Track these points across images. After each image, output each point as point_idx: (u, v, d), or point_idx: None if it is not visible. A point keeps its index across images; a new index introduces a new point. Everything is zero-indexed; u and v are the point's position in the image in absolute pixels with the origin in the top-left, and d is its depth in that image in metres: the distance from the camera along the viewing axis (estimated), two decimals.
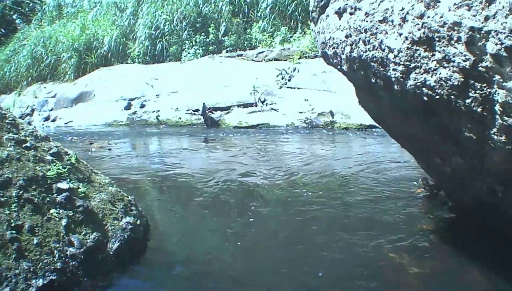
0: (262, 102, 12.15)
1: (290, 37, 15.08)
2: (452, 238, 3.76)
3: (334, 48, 3.35)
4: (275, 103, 12.02)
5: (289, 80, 12.34)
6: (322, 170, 6.39)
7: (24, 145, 3.64)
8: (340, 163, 6.94)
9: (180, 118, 13.12)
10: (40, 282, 2.78)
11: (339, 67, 3.51)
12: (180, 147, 9.67)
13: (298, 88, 12.22)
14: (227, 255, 3.69)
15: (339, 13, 3.23)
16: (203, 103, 12.29)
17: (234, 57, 14.83)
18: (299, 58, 13.05)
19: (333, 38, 3.30)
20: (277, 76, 12.45)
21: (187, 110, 13.12)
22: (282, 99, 12.08)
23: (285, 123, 11.37)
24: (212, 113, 12.48)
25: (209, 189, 5.56)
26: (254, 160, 7.60)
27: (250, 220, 4.38)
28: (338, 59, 3.39)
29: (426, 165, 3.96)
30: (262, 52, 14.35)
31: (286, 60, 13.43)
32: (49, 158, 3.72)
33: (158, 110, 13.74)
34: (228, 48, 15.94)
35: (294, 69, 12.40)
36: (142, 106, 14.51)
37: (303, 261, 3.46)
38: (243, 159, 7.65)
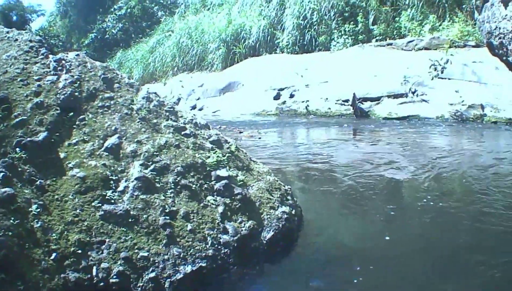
0: (413, 93, 12.07)
1: (439, 25, 14.74)
2: None
3: (500, 38, 3.38)
4: (426, 94, 11.87)
5: (442, 72, 12.13)
6: (469, 168, 6.21)
7: (183, 132, 3.71)
8: (489, 161, 6.68)
9: (329, 108, 13.26)
10: (188, 268, 2.83)
11: (504, 58, 3.55)
12: (328, 138, 9.69)
13: (449, 79, 11.96)
14: (376, 248, 3.64)
15: (505, 2, 3.24)
16: (353, 94, 12.40)
17: (384, 46, 14.67)
18: (449, 48, 12.73)
19: (499, 28, 3.31)
20: (429, 67, 12.26)
21: (337, 100, 13.25)
22: (433, 90, 11.87)
23: (435, 116, 11.21)
24: (362, 103, 12.56)
25: (355, 181, 5.58)
26: (401, 154, 7.51)
27: (391, 213, 4.41)
28: (505, 50, 3.41)
29: None
30: (412, 41, 14.09)
31: (436, 49, 13.10)
32: (208, 145, 3.76)
33: (308, 101, 13.91)
34: (377, 37, 15.93)
35: (447, 61, 12.15)
36: (292, 96, 14.74)
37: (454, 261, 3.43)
38: (390, 152, 7.60)
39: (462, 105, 11.06)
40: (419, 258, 3.46)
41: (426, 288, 3.03)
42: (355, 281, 3.03)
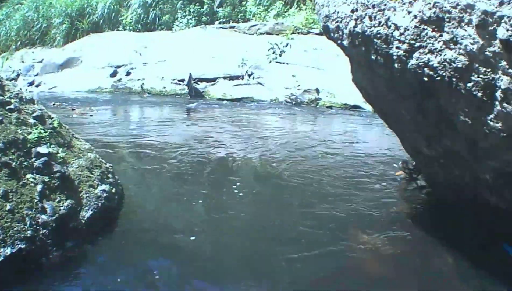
0: (249, 75, 12.10)
1: (285, 12, 14.91)
2: (427, 221, 3.86)
3: (337, 22, 3.36)
4: (262, 78, 11.97)
5: (280, 56, 12.29)
6: (300, 148, 6.43)
7: (8, 107, 3.55)
8: (320, 142, 6.95)
9: (164, 87, 12.97)
10: (8, 250, 2.69)
11: (339, 42, 3.52)
12: (160, 117, 9.67)
13: (287, 64, 12.16)
14: (198, 226, 3.68)
15: None
16: (189, 74, 12.20)
17: (226, 28, 14.66)
18: (291, 34, 12.98)
19: (338, 12, 3.30)
20: (268, 50, 12.37)
21: (173, 80, 12.98)
22: (270, 74, 12.02)
23: (269, 98, 11.37)
24: (198, 84, 12.41)
25: (184, 160, 5.64)
26: (233, 133, 7.61)
27: (223, 190, 4.49)
28: (340, 33, 3.40)
29: (412, 147, 4.02)
30: (255, 25, 14.19)
31: (278, 34, 13.30)
32: (31, 121, 3.62)
33: (143, 79, 13.56)
34: (221, 20, 15.74)
35: (287, 45, 12.33)
36: (128, 74, 14.26)
37: (275, 236, 3.54)
38: (221, 132, 7.69)
39: (298, 89, 11.26)
40: (239, 227, 3.73)
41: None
42: (172, 257, 3.20)
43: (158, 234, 3.52)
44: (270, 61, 12.31)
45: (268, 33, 13.61)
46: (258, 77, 11.99)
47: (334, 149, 6.44)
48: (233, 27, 14.62)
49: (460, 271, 3.11)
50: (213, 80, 12.48)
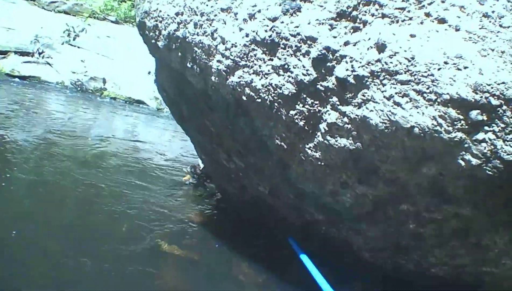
0: (40, 54, 10.89)
1: None
2: (218, 230, 3.83)
3: (157, 21, 3.07)
4: (52, 58, 10.89)
5: (74, 39, 11.58)
6: (78, 138, 5.99)
7: None
8: (100, 136, 6.49)
9: None
10: None
11: (153, 41, 3.25)
12: None
13: (79, 47, 11.48)
14: None
15: None
16: None
17: (27, 0, 13.10)
18: (88, 17, 12.48)
19: (160, 11, 3.02)
20: (64, 31, 11.59)
21: None
22: (61, 56, 11.04)
23: (55, 81, 10.39)
24: None
25: None
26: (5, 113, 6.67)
27: None
28: (157, 33, 3.13)
29: (208, 155, 3.97)
30: (55, 2, 13.08)
31: (75, 16, 12.68)
32: None
33: None
34: None
35: (83, 29, 11.73)
36: None
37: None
38: None
39: (85, 75, 10.59)
40: None
41: None
42: None
43: None
44: (63, 43, 11.48)
45: (66, 12, 12.89)
46: (48, 57, 10.90)
47: (116, 147, 6.05)
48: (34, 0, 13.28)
49: (258, 278, 3.16)
50: (4, 52, 10.90)
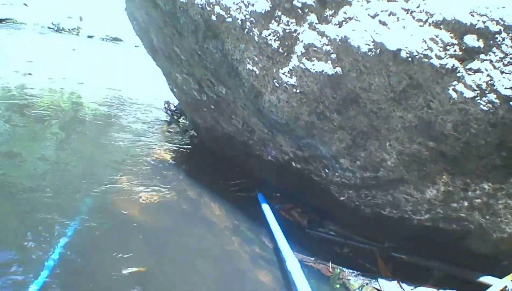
0: None
1: None
2: (191, 168, 3.64)
3: None
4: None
5: None
6: (56, 76, 5.74)
7: None
8: (79, 73, 6.22)
9: None
10: None
11: None
12: None
13: None
14: None
15: None
16: None
17: None
18: None
19: None
20: None
21: None
22: None
23: (33, 22, 10.10)
24: None
25: None
26: None
27: None
28: None
29: (179, 88, 3.70)
30: None
31: None
32: None
33: None
34: None
35: None
36: None
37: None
38: None
39: (61, 15, 10.19)
40: None
41: None
42: None
43: None
44: None
45: None
46: None
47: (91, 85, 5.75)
48: None
49: (230, 220, 2.97)
50: None
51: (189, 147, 4.13)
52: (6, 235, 2.34)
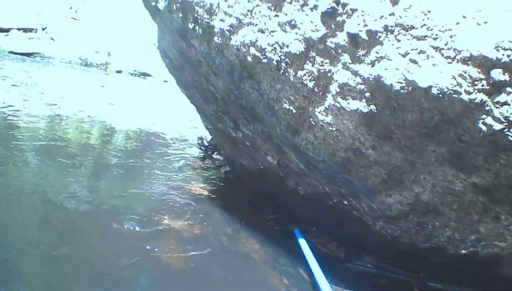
0: (43, 29, 10.87)
1: None
2: (226, 203, 3.70)
3: None
4: (55, 33, 10.91)
5: (76, 12, 11.58)
6: (88, 114, 5.91)
7: None
8: (110, 109, 6.43)
9: None
10: None
11: (153, 3, 3.09)
12: None
13: (82, 21, 11.49)
14: None
15: None
16: None
17: None
18: None
19: None
20: (65, 5, 11.61)
21: None
22: (64, 31, 11.04)
23: (60, 57, 10.36)
24: None
25: None
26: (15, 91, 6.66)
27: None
28: None
29: (214, 125, 3.82)
30: None
31: None
32: None
33: None
34: None
35: (84, 1, 11.63)
36: None
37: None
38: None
39: (90, 50, 10.52)
40: None
41: None
42: None
43: None
44: (66, 17, 11.43)
45: None
46: (52, 32, 10.81)
47: (126, 120, 5.94)
48: None
49: (267, 255, 3.01)
50: (7, 30, 10.97)
51: (224, 182, 4.22)
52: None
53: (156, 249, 2.75)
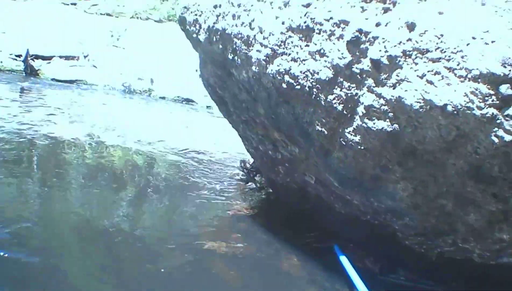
0: (85, 57, 11.34)
1: None
2: (268, 222, 3.88)
3: (196, 15, 3.22)
4: (97, 60, 11.22)
5: (118, 40, 11.88)
6: (134, 141, 6.17)
7: None
8: (152, 136, 6.66)
9: (1, 62, 11.18)
10: None
11: (194, 35, 3.38)
12: None
13: (124, 49, 11.74)
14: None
15: None
16: (27, 49, 10.85)
17: (68, 5, 13.80)
18: (131, 18, 12.90)
19: (198, 5, 3.17)
20: (107, 33, 11.93)
21: (10, 54, 11.26)
22: (106, 58, 11.34)
23: (103, 83, 10.70)
24: (33, 61, 11.03)
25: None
26: (59, 117, 7.02)
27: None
28: (197, 27, 3.26)
29: (255, 148, 4.04)
30: (96, 5, 13.69)
31: (118, 17, 13.14)
32: None
33: None
34: None
35: (126, 29, 12.03)
36: None
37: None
38: (49, 114, 7.03)
39: (133, 77, 10.80)
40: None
41: None
42: None
43: None
44: (107, 45, 11.82)
45: (108, 14, 13.32)
46: (94, 60, 11.29)
47: (168, 146, 6.23)
48: (75, 4, 13.93)
49: (306, 271, 3.17)
50: (49, 58, 11.31)
51: (265, 202, 4.43)
52: None
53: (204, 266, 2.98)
